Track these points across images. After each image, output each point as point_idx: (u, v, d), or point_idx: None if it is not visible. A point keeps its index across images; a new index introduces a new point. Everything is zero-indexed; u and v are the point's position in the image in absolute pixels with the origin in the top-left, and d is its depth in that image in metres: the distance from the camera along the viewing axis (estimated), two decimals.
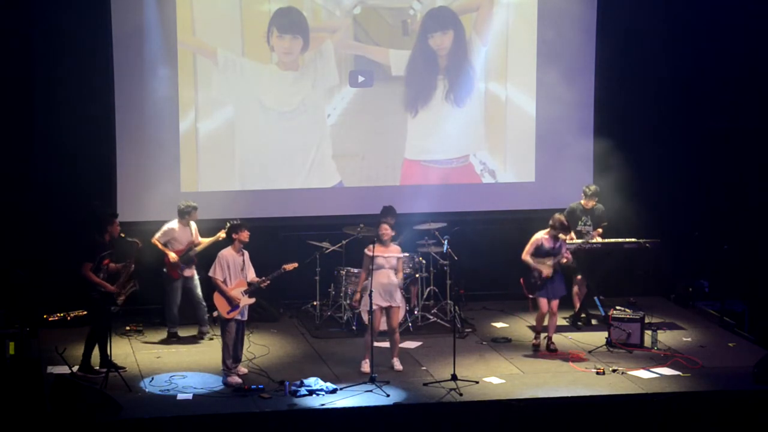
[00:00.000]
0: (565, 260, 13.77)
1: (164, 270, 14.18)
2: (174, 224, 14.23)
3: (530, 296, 13.93)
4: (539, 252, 13.73)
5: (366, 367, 12.97)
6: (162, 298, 14.47)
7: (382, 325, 13.17)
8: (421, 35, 15.82)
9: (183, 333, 14.33)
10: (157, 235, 14.18)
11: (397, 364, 13.14)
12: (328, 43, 15.61)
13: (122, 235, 12.99)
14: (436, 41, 15.86)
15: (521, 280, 13.85)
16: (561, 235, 13.75)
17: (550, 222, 13.75)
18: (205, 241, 14.23)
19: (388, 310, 13.13)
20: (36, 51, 14.77)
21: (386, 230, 13.19)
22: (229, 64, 15.37)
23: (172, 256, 14.08)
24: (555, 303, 13.79)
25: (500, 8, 15.94)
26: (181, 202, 14.30)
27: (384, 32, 15.77)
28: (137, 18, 15.02)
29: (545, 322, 13.86)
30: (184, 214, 14.18)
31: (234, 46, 15.37)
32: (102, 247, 12.83)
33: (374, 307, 12.97)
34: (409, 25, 15.80)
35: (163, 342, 14.18)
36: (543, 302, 13.76)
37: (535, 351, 13.78)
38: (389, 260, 13.12)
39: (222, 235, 13.92)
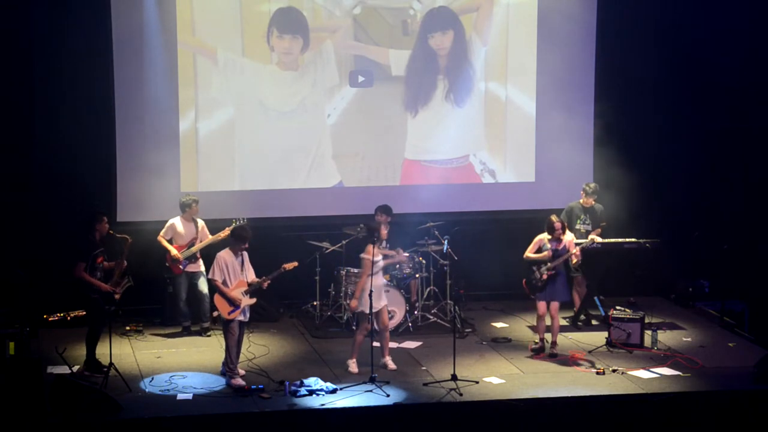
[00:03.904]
0: (575, 260, 13.77)
1: (166, 265, 14.22)
2: (176, 219, 14.27)
3: (532, 297, 13.89)
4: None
5: (353, 366, 12.97)
6: (164, 296, 14.50)
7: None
8: (421, 35, 15.82)
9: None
10: (162, 231, 14.22)
11: (390, 363, 13.12)
12: (328, 43, 15.61)
13: (111, 232, 12.98)
14: (436, 41, 15.85)
15: (524, 282, 13.79)
16: (563, 237, 13.69)
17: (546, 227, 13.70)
18: (208, 239, 14.23)
19: (377, 312, 13.12)
20: (36, 51, 14.77)
21: (383, 231, 13.24)
22: (229, 64, 15.37)
23: (173, 251, 14.12)
24: (555, 306, 13.61)
25: (500, 8, 15.94)
26: (182, 196, 14.34)
27: (384, 32, 15.76)
28: (137, 18, 15.01)
29: (547, 323, 13.76)
30: (185, 207, 14.22)
31: (234, 46, 15.37)
32: (93, 246, 12.82)
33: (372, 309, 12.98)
34: (409, 25, 15.80)
35: (169, 335, 14.25)
36: (541, 305, 13.64)
37: (535, 353, 13.63)
38: (379, 263, 13.11)
39: (222, 234, 13.97)
